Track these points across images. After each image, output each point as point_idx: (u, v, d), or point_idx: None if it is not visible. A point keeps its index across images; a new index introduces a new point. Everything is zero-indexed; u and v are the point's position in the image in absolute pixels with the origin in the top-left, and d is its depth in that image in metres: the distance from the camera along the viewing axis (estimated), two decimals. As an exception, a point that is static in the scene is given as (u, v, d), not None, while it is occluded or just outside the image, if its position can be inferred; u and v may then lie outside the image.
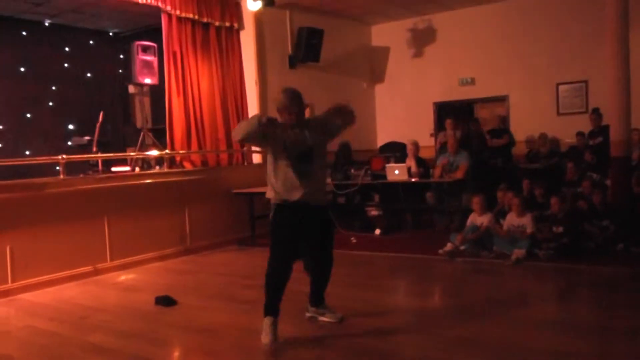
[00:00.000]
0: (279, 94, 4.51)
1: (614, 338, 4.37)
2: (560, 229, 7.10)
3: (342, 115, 4.58)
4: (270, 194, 4.59)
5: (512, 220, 7.36)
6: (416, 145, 9.81)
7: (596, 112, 9.55)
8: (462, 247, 7.39)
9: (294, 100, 4.45)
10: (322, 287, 4.86)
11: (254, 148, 10.11)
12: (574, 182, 8.87)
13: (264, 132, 4.33)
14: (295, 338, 4.52)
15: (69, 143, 9.46)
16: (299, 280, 4.79)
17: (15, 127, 10.27)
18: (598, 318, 4.91)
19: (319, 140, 4.59)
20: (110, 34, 11.77)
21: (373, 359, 4.10)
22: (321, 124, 4.63)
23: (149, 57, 9.20)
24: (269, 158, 4.58)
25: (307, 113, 11.08)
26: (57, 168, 7.36)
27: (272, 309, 4.49)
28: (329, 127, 4.64)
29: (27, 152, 9.96)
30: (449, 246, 7.41)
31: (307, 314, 4.94)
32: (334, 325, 4.77)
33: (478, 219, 7.52)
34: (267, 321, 4.45)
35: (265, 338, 4.40)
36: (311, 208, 4.52)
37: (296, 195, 4.45)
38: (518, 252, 6.85)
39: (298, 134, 4.49)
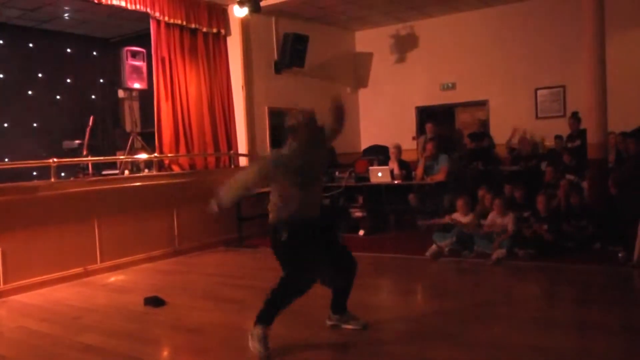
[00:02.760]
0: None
1: (593, 333, 4.46)
2: (545, 227, 7.29)
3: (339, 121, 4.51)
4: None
5: (494, 218, 7.53)
6: (399, 148, 9.92)
7: (575, 115, 9.67)
8: (447, 248, 7.49)
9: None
10: (347, 296, 4.71)
11: (240, 152, 10.23)
12: (552, 184, 9.04)
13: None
14: (283, 339, 4.53)
15: (64, 147, 9.45)
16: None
17: (6, 131, 10.26)
18: (577, 314, 5.02)
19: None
20: (100, 39, 11.77)
21: (355, 356, 4.17)
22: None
23: (138, 63, 9.23)
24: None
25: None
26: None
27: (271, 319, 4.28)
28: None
29: (19, 156, 9.88)
30: (433, 248, 7.49)
31: (329, 322, 4.76)
32: (324, 325, 4.75)
33: (462, 219, 7.70)
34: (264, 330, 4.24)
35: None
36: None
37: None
38: (499, 252, 7.01)
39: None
